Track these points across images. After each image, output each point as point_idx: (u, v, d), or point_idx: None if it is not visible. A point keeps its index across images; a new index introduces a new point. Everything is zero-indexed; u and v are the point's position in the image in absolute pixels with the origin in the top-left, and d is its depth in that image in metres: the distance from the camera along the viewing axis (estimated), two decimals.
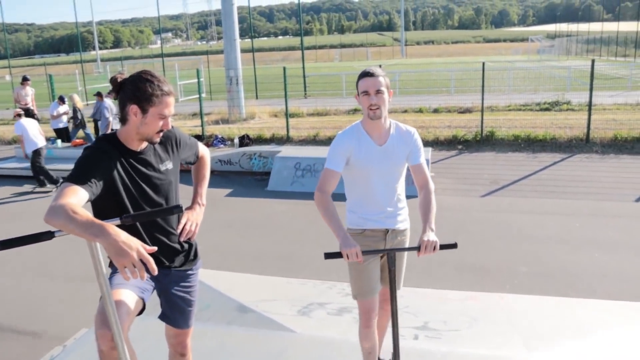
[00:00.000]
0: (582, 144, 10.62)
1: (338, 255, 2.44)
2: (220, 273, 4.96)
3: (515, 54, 72.40)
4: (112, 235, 1.68)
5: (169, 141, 2.37)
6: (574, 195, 7.55)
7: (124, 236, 1.69)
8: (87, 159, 2.08)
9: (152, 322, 2.82)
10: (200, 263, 2.58)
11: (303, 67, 23.29)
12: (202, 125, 13.28)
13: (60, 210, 1.77)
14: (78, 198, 1.89)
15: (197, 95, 13.63)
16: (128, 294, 2.07)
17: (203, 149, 2.66)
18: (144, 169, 2.25)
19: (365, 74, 2.63)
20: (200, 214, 2.52)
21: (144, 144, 2.27)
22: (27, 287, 5.26)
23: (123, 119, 2.20)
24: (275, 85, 21.24)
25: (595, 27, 59.97)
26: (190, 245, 2.51)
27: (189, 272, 2.50)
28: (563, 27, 78.74)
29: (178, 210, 1.82)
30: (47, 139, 11.98)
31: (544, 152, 10.36)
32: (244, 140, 11.88)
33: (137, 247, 1.68)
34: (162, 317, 2.49)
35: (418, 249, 2.51)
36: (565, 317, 3.76)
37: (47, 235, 1.77)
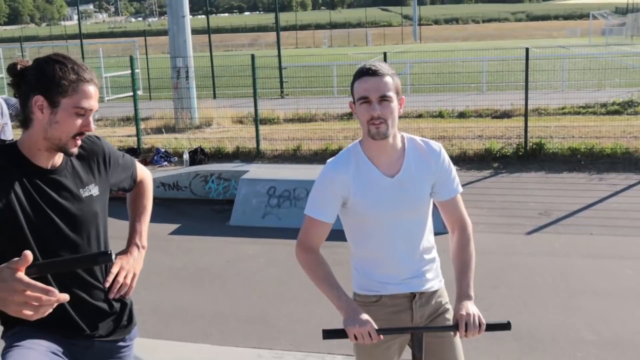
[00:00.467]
0: None
1: (342, 334, 2.39)
2: (163, 343, 4.91)
3: (572, 35, 73.80)
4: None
5: (94, 158, 2.36)
6: None
7: (20, 285, 1.56)
8: None
9: None
10: (136, 331, 2.56)
11: (279, 55, 23.50)
12: (137, 135, 13.29)
13: None
14: None
15: (131, 94, 13.66)
16: None
17: (142, 171, 2.66)
18: (56, 195, 2.22)
19: (364, 72, 2.49)
20: (139, 261, 2.50)
21: (58, 159, 2.25)
22: None
23: (25, 121, 2.18)
24: (240, 80, 21.35)
25: None
26: (124, 305, 2.48)
27: (121, 343, 2.47)
28: None
29: (105, 258, 1.74)
30: None
31: (614, 171, 10.51)
32: (197, 156, 11.90)
33: (16, 280, 1.55)
34: None
35: (456, 327, 2.41)
36: None
37: None
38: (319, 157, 11.99)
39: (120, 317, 2.45)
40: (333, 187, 2.56)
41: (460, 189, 2.68)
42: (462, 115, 16.12)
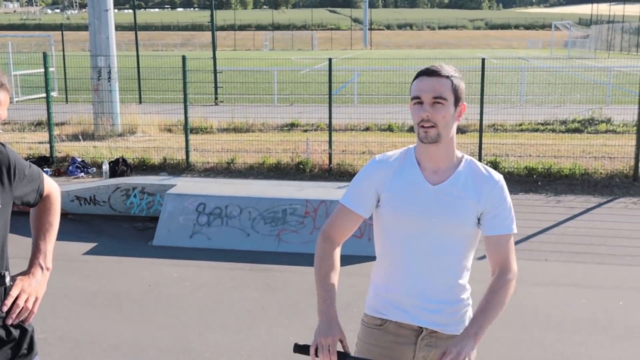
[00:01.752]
0: (629, 183, 11.19)
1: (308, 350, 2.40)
2: None
3: (533, 47, 75.86)
4: None
5: None
6: (616, 259, 7.90)
7: None
8: None
9: None
10: None
11: (214, 57, 23.46)
12: (50, 142, 13.07)
13: None
14: None
15: (44, 95, 13.44)
16: None
17: (49, 184, 2.66)
18: None
19: (423, 72, 2.55)
20: (43, 284, 2.48)
21: None
22: None
23: None
24: (170, 84, 21.26)
25: None
26: (23, 331, 2.45)
27: None
28: (603, 8, 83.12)
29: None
30: None
31: (572, 193, 10.82)
32: (118, 167, 11.78)
33: None
34: None
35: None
36: None
37: None
38: (255, 171, 12.02)
39: (20, 345, 2.42)
40: (372, 179, 2.65)
41: (514, 229, 2.65)
42: (412, 129, 16.24)
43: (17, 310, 2.33)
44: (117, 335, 5.94)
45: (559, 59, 46.30)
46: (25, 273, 2.45)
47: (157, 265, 7.83)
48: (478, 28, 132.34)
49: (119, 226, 9.34)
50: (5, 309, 2.30)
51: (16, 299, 2.33)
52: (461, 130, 15.78)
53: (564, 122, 16.73)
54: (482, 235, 2.64)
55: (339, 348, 2.43)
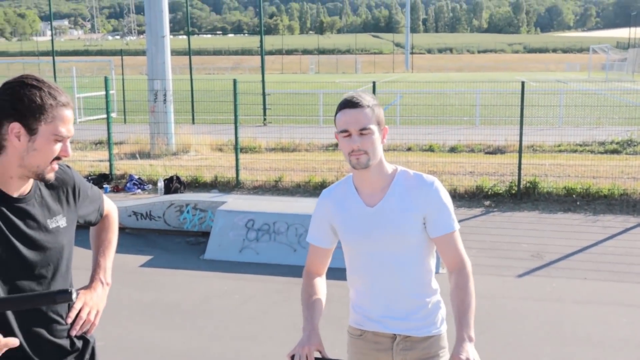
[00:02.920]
0: None
1: None
2: None
3: (570, 70, 74.93)
4: None
5: (63, 188, 2.38)
6: None
7: None
8: None
9: None
10: None
11: (263, 81, 23.63)
12: (110, 160, 13.30)
13: None
14: None
15: (104, 116, 13.68)
16: None
17: (109, 205, 2.69)
18: (23, 226, 2.21)
19: (345, 104, 2.62)
20: (103, 298, 2.50)
21: (27, 187, 2.26)
22: None
23: None
24: (221, 106, 21.44)
25: None
26: (86, 343, 2.47)
27: None
28: None
29: (64, 297, 1.74)
30: None
31: (611, 213, 10.61)
32: (172, 185, 11.90)
33: None
34: None
35: None
36: None
37: None
38: (301, 189, 12.04)
39: (82, 356, 2.44)
40: (322, 213, 2.78)
41: (457, 226, 2.71)
42: (453, 149, 16.25)
43: (80, 322, 2.34)
44: (170, 345, 5.97)
45: (597, 82, 45.70)
46: (87, 287, 2.48)
47: (208, 278, 7.87)
48: (516, 52, 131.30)
49: (172, 240, 9.42)
50: (69, 320, 2.32)
51: (79, 311, 2.35)
52: (500, 151, 15.63)
53: (602, 144, 16.46)
54: (431, 237, 2.69)
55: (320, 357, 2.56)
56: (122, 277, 7.63)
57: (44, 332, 2.29)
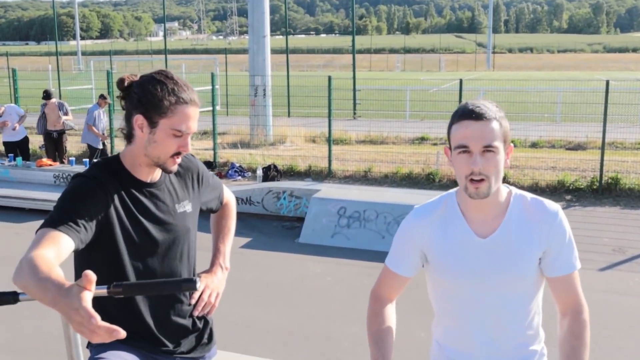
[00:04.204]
0: None
1: None
2: (231, 356, 4.90)
3: None
4: (63, 304, 1.52)
5: (189, 174, 2.37)
6: None
7: (77, 304, 1.49)
8: (74, 193, 2.04)
9: None
10: (215, 350, 2.53)
11: (354, 77, 23.53)
12: (214, 149, 13.51)
13: (24, 266, 1.73)
14: (57, 248, 1.84)
15: (210, 108, 13.90)
16: None
17: (228, 194, 2.68)
18: (154, 209, 2.22)
19: (466, 114, 2.00)
20: (223, 281, 2.48)
21: (158, 173, 2.26)
22: None
23: (128, 136, 2.20)
24: (314, 100, 21.50)
25: None
26: (206, 323, 2.46)
27: None
28: None
29: (190, 285, 1.71)
30: (4, 155, 12.57)
31: None
32: (270, 172, 11.99)
33: (92, 324, 1.47)
34: None
35: None
36: None
37: (9, 298, 1.74)
38: (389, 179, 11.92)
39: (202, 335, 2.43)
40: (412, 236, 2.17)
41: (579, 264, 2.13)
42: (534, 145, 15.77)
43: (202, 304, 2.34)
44: (268, 321, 6.00)
45: None
46: (208, 271, 2.47)
47: (303, 260, 7.87)
48: (596, 51, 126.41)
49: (269, 224, 9.49)
50: (192, 302, 2.33)
51: (201, 294, 2.35)
52: (581, 147, 15.06)
53: None
54: (546, 276, 2.11)
55: None
56: None
57: (169, 312, 2.30)
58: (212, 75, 13.78)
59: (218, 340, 2.59)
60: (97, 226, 2.04)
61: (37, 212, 10.37)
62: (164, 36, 30.27)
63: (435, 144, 15.87)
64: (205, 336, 2.45)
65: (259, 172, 11.89)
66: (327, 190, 9.52)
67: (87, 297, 1.48)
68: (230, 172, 12.50)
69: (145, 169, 2.22)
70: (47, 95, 12.69)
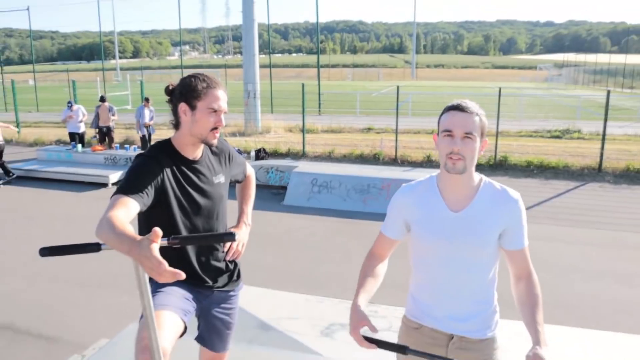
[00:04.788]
0: (595, 173, 10.45)
1: (395, 348, 1.74)
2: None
3: (523, 81, 72.50)
4: (137, 253, 1.45)
5: (222, 154, 2.27)
6: (589, 225, 7.37)
7: (148, 253, 1.42)
8: (138, 168, 1.97)
9: (184, 345, 2.68)
10: (242, 284, 2.44)
11: (319, 84, 23.29)
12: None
13: (104, 223, 1.67)
14: (127, 210, 1.78)
15: None
16: (170, 316, 1.93)
17: (250, 169, 2.56)
18: (197, 180, 2.13)
19: (453, 107, 1.88)
20: (246, 234, 2.40)
21: (199, 153, 2.16)
22: (42, 291, 5.14)
23: (176, 124, 2.12)
24: (290, 101, 21.24)
25: (602, 58, 60.00)
26: (235, 265, 2.38)
27: (231, 293, 2.36)
28: (570, 57, 78.88)
29: (230, 237, 1.64)
30: (69, 143, 12.24)
31: (557, 179, 10.19)
32: (260, 154, 11.80)
33: (149, 250, 1.43)
34: (199, 339, 2.35)
35: None
36: (587, 349, 3.58)
37: (94, 247, 1.66)
38: (346, 158, 11.83)
39: (233, 274, 2.36)
40: (399, 208, 2.01)
41: (527, 242, 1.96)
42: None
43: (232, 252, 2.30)
44: (263, 261, 5.91)
45: (543, 89, 44.15)
46: (235, 227, 2.42)
47: (287, 217, 7.77)
48: (487, 68, 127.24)
49: (261, 192, 9.32)
50: (225, 249, 2.29)
51: (231, 244, 2.30)
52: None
53: (549, 131, 15.83)
54: (504, 249, 1.95)
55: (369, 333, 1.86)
56: (230, 215, 7.59)
57: (209, 257, 2.24)
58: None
59: None
60: (155, 193, 1.96)
61: (92, 184, 10.07)
62: (180, 55, 29.53)
63: (378, 133, 15.80)
64: (235, 275, 2.38)
65: (252, 154, 11.69)
66: (303, 166, 9.40)
67: (156, 248, 1.42)
68: None
69: (191, 147, 2.12)
70: (102, 99, 12.44)
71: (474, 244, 1.89)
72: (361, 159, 11.72)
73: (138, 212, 1.85)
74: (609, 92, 10.77)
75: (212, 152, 2.24)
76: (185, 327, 2.00)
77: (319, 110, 22.59)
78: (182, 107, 2.06)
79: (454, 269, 1.93)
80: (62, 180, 10.39)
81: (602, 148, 10.65)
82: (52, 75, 76.68)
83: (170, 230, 2.04)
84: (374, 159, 11.67)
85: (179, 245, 1.56)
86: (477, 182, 1.93)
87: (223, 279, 2.30)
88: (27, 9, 28.33)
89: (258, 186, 9.48)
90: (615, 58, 55.28)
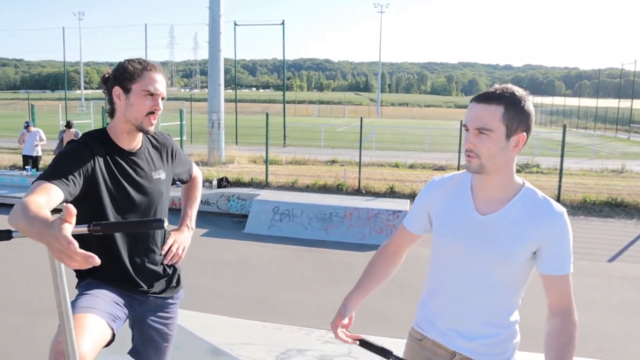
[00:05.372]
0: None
1: (377, 350, 1.65)
2: (192, 313, 4.59)
3: None
4: (47, 234, 1.28)
5: (165, 148, 2.13)
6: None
7: (57, 232, 1.24)
8: (67, 155, 1.81)
9: (119, 359, 2.48)
10: (182, 292, 2.26)
11: (284, 116, 23.42)
12: None
13: (17, 208, 1.49)
14: (47, 197, 1.60)
15: (179, 138, 13.39)
16: (94, 320, 1.73)
17: (196, 170, 2.43)
18: (133, 173, 1.97)
19: (475, 97, 1.60)
20: (189, 238, 2.24)
21: (137, 144, 2.02)
22: None
23: (111, 111, 1.98)
24: (256, 133, 21.20)
25: (557, 100, 62.62)
26: (174, 269, 2.20)
27: (169, 300, 2.17)
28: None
29: (158, 224, 1.44)
30: (22, 168, 11.83)
31: None
32: (223, 183, 11.60)
33: (70, 250, 1.24)
34: (133, 353, 2.15)
35: None
36: None
37: (4, 235, 1.48)
38: (309, 189, 11.74)
39: (171, 279, 2.18)
40: (426, 200, 1.78)
41: (571, 269, 1.61)
42: (412, 166, 15.96)
43: (171, 255, 2.13)
44: (220, 288, 5.69)
45: None
46: (177, 230, 2.25)
47: (247, 245, 7.58)
48: (449, 107, 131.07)
49: (222, 219, 9.13)
50: (163, 252, 2.11)
51: (170, 246, 2.14)
52: (442, 168, 15.35)
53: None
54: (539, 271, 1.63)
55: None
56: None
57: (144, 260, 2.06)
58: (181, 111, 13.33)
59: (182, 304, 2.33)
60: (84, 182, 1.80)
61: None
62: None
63: (342, 165, 15.85)
64: (174, 280, 2.19)
65: (214, 182, 11.49)
66: (265, 194, 9.27)
67: (67, 228, 1.25)
68: None
69: (127, 136, 1.97)
70: (68, 125, 12.07)
71: (493, 257, 1.60)
72: (324, 189, 11.66)
73: (62, 201, 1.68)
74: (564, 126, 11.15)
75: (153, 146, 2.10)
76: (114, 335, 1.81)
77: (284, 143, 22.60)
78: (116, 90, 1.93)
79: (466, 279, 1.65)
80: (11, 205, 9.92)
81: (560, 180, 10.93)
82: (13, 103, 74.82)
83: None
84: (337, 190, 11.63)
85: (100, 233, 1.38)
86: (515, 186, 1.63)
87: (160, 284, 2.12)
88: None
89: (219, 214, 9.29)
90: (570, 101, 57.81)
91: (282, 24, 22.89)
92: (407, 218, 1.86)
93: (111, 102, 1.97)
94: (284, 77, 26.52)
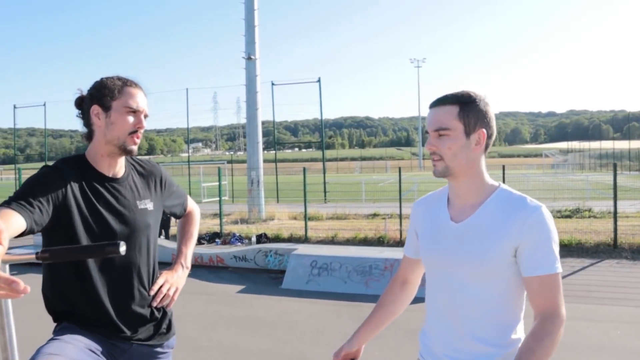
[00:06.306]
0: (610, 250, 9.98)
1: None
2: None
3: (530, 168, 73.07)
4: None
5: (152, 177, 1.98)
6: (610, 301, 6.84)
7: None
8: (35, 180, 1.66)
9: None
10: (174, 341, 2.03)
11: (324, 172, 23.45)
12: (220, 224, 13.02)
13: None
14: (8, 224, 1.44)
15: (217, 198, 13.51)
16: None
17: (193, 204, 2.27)
18: (113, 201, 1.81)
19: (432, 103, 1.56)
20: (183, 278, 2.04)
21: (120, 170, 1.87)
22: None
23: (89, 134, 1.84)
24: (296, 189, 21.27)
25: (606, 144, 60.73)
26: (165, 314, 1.98)
27: (158, 349, 1.94)
28: (574, 144, 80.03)
29: (112, 249, 1.26)
30: None
31: (571, 257, 9.70)
32: (261, 239, 11.52)
33: None
34: None
35: None
36: None
37: None
38: (349, 242, 11.48)
39: (160, 324, 1.96)
40: (412, 220, 1.75)
41: (559, 268, 1.47)
42: None
43: (161, 296, 1.92)
44: (255, 346, 5.43)
45: (550, 174, 44.27)
46: (170, 269, 2.06)
47: (284, 301, 7.32)
48: (493, 157, 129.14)
49: (260, 275, 8.94)
50: (152, 292, 1.91)
51: (161, 286, 1.94)
52: None
53: (559, 211, 15.47)
54: (522, 275, 1.49)
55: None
56: (225, 299, 7.19)
57: (129, 301, 1.86)
58: (219, 170, 13.49)
59: None
60: (54, 210, 1.64)
61: None
62: (188, 150, 30.41)
63: (384, 218, 15.53)
64: (164, 326, 1.97)
65: (253, 239, 11.42)
66: (303, 249, 9.06)
67: None
68: (232, 239, 11.99)
69: (107, 160, 1.83)
70: None
71: (471, 261, 1.49)
72: (365, 243, 11.35)
73: (25, 230, 1.52)
74: (615, 164, 10.60)
75: (139, 173, 1.94)
76: None
77: (325, 199, 22.51)
78: (95, 109, 1.79)
79: (451, 295, 1.54)
80: None
81: (615, 223, 10.27)
82: None
83: (75, 261, 1.69)
84: (378, 242, 11.30)
85: (49, 261, 1.22)
86: (489, 188, 1.56)
87: (146, 330, 1.89)
88: (44, 105, 29.56)
89: (257, 270, 9.12)
90: (619, 144, 55.88)
91: (318, 81, 23.38)
92: (405, 245, 1.84)
93: (88, 124, 1.84)
94: (322, 132, 26.80)
